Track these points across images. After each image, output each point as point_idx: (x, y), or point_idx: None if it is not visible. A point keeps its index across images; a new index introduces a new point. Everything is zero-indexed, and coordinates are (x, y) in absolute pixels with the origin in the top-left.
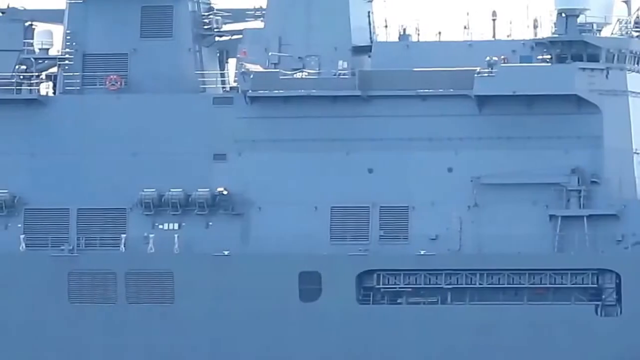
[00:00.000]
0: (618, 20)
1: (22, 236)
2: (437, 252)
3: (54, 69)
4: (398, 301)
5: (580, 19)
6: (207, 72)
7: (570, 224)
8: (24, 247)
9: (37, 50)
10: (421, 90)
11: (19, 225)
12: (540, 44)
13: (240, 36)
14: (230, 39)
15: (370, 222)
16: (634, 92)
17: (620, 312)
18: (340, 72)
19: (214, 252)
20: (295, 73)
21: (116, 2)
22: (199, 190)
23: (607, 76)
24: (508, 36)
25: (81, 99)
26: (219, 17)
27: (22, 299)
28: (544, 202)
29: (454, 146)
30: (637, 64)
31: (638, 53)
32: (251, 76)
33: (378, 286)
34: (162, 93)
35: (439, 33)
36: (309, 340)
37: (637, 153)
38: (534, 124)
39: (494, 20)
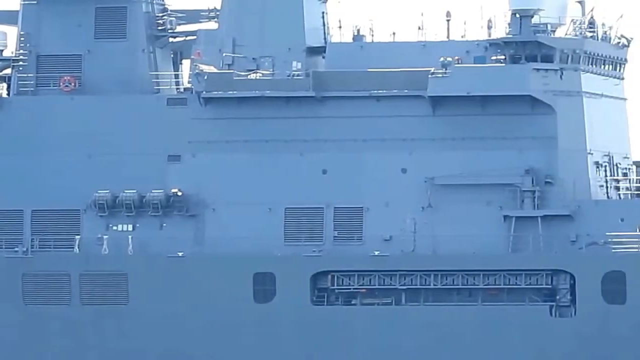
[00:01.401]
0: (572, 20)
1: None
2: (391, 253)
3: (8, 70)
4: (352, 302)
5: (535, 20)
6: (161, 73)
7: (524, 225)
8: None
9: None
10: (375, 91)
11: None
12: (494, 45)
13: (194, 37)
14: (184, 40)
15: (325, 223)
16: (588, 93)
17: (575, 313)
18: (294, 73)
19: (168, 253)
20: (249, 74)
21: (70, 4)
22: (153, 191)
23: (561, 77)
24: (462, 37)
25: (35, 100)
26: (173, 18)
27: None
28: (498, 202)
29: (408, 147)
30: (592, 64)
31: (592, 53)
32: (205, 77)
33: (332, 287)
34: (116, 94)
35: (393, 34)
36: (264, 341)
37: (591, 153)
38: (488, 124)
39: (448, 20)
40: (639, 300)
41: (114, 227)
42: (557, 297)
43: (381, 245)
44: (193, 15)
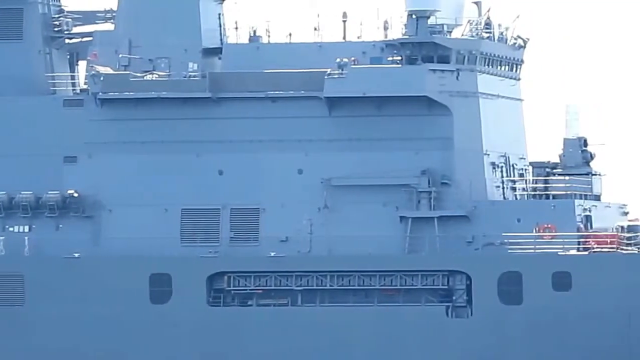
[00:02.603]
0: (469, 21)
1: None
2: (288, 254)
3: None
4: (248, 303)
5: (431, 21)
6: (57, 74)
7: (420, 225)
8: None
9: None
10: (271, 92)
11: None
12: (390, 46)
13: (90, 38)
14: (80, 41)
15: (221, 224)
16: (484, 94)
17: (471, 314)
18: (190, 74)
19: (64, 255)
20: (146, 75)
21: None
22: (49, 192)
23: (457, 77)
24: (358, 37)
25: None
26: (70, 20)
27: None
28: (394, 203)
29: (304, 148)
30: (488, 65)
31: (488, 54)
32: (101, 78)
33: (228, 288)
34: (12, 95)
35: (290, 34)
36: (160, 342)
37: (488, 154)
38: (384, 125)
39: (344, 21)
40: (535, 301)
41: (10, 228)
42: (454, 298)
43: (277, 246)
44: (89, 17)
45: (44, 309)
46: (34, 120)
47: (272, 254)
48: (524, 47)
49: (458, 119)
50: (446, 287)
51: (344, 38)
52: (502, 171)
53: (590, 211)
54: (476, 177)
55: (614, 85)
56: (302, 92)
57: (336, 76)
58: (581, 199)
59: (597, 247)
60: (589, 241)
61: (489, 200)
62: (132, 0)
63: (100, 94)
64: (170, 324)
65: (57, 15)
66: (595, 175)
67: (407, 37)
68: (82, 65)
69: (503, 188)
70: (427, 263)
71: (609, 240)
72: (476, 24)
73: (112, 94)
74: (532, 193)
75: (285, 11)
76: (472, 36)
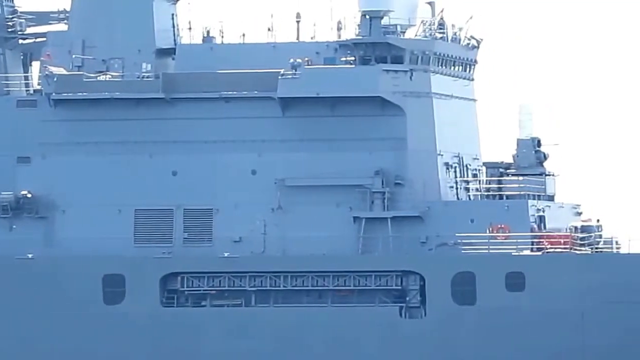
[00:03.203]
0: (422, 21)
1: None
2: (241, 255)
3: None
4: (202, 304)
5: (385, 21)
6: (10, 74)
7: (374, 226)
8: None
9: None
10: (225, 93)
11: None
12: (344, 46)
13: (44, 39)
14: (34, 41)
15: (174, 225)
16: (438, 94)
17: (425, 314)
18: (144, 74)
19: (17, 255)
20: (99, 76)
21: None
22: (3, 193)
23: (411, 78)
24: (312, 38)
25: None
26: (23, 20)
27: None
28: (347, 204)
29: (257, 148)
30: (441, 65)
31: (442, 55)
32: (55, 79)
33: (182, 289)
34: None
35: (243, 35)
36: (113, 343)
37: (441, 155)
38: (338, 125)
39: (298, 22)
40: (489, 301)
41: None
42: (407, 298)
43: (231, 246)
44: (43, 17)
45: None
46: None
47: (226, 254)
48: (478, 47)
49: (411, 120)
50: (400, 287)
51: (298, 38)
52: (455, 171)
53: (543, 211)
54: (429, 178)
55: (567, 85)
56: (256, 92)
57: (290, 76)
58: (535, 199)
59: (550, 248)
60: (542, 241)
61: (442, 200)
62: (85, 0)
63: (54, 94)
64: (124, 324)
65: (10, 16)
66: (549, 175)
67: (360, 37)
68: (35, 65)
69: (457, 188)
70: (380, 263)
71: (562, 240)
72: (430, 25)
73: (65, 94)
74: (486, 193)
75: (238, 11)
76: (426, 36)
